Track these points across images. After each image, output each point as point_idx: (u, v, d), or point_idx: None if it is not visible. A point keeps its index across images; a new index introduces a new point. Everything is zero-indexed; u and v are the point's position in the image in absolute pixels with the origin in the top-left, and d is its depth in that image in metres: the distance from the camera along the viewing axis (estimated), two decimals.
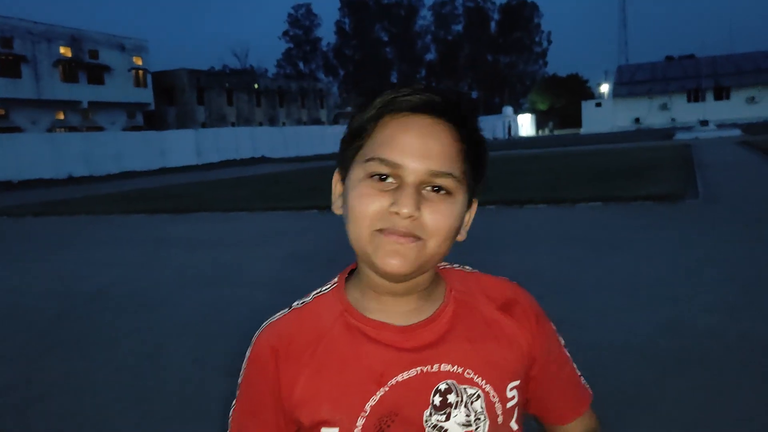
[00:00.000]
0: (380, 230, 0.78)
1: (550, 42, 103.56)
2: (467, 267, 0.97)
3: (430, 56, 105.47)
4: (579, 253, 6.86)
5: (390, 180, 0.79)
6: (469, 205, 0.85)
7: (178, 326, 5.16)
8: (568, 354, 0.98)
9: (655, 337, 4.10)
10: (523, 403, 0.91)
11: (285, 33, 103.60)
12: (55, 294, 6.63)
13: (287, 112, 66.98)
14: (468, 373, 0.84)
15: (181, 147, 41.06)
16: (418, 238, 0.78)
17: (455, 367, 0.84)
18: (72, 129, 44.54)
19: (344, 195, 0.85)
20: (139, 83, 51.21)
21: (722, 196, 10.63)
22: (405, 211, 0.76)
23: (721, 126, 40.54)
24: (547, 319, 0.95)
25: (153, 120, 53.09)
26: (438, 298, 0.89)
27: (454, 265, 0.95)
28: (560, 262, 6.52)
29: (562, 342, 0.97)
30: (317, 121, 69.32)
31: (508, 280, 0.96)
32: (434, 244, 0.79)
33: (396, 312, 0.86)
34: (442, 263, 0.92)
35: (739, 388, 3.29)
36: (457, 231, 0.82)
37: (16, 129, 40.80)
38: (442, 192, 0.79)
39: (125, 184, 26.09)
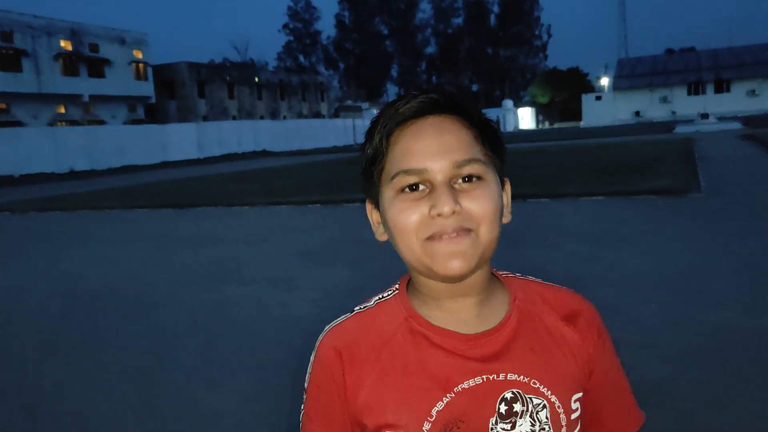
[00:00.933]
0: (430, 237, 0.79)
1: (549, 35, 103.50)
2: (530, 276, 0.97)
3: (430, 49, 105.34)
4: (584, 248, 6.85)
5: (421, 188, 0.80)
6: (502, 186, 0.86)
7: (184, 324, 5.15)
8: (623, 373, 0.97)
9: (665, 333, 4.10)
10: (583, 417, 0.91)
11: (285, 26, 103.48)
12: (60, 293, 6.62)
13: (288, 105, 66.84)
14: (534, 383, 0.85)
15: (182, 141, 41.02)
16: (468, 231, 0.79)
17: (521, 376, 0.84)
18: (73, 123, 44.46)
19: (382, 218, 0.86)
20: (139, 76, 51.07)
21: (725, 189, 10.62)
22: (446, 209, 0.77)
23: (721, 119, 40.51)
24: (608, 334, 0.94)
25: (154, 113, 53.00)
26: (501, 306, 0.89)
27: (516, 274, 0.95)
28: (565, 257, 6.51)
29: (618, 360, 0.96)
30: (318, 115, 69.19)
31: (573, 290, 0.95)
32: (485, 230, 0.80)
33: (459, 320, 0.86)
34: (504, 272, 0.94)
35: (751, 384, 3.29)
36: (501, 212, 0.84)
37: (17, 123, 40.72)
38: (474, 179, 0.80)
39: (127, 179, 26.07)
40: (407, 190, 0.80)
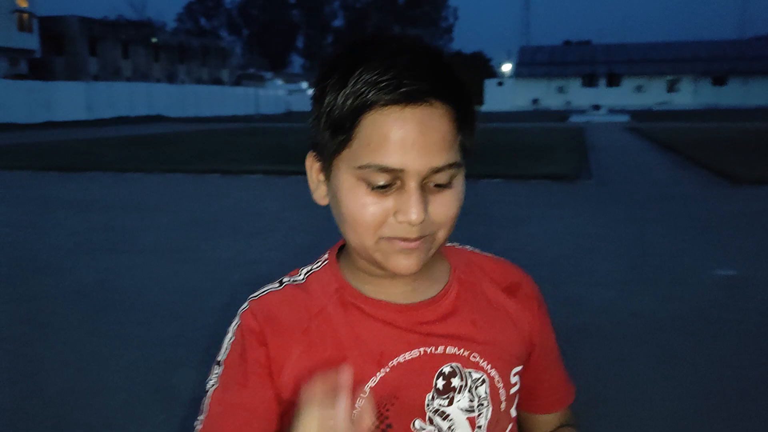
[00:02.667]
0: (387, 237, 0.74)
1: (456, 18, 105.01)
2: (467, 246, 0.93)
3: (337, 23, 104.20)
4: (483, 230, 7.04)
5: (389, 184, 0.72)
6: None
7: (70, 293, 4.84)
8: (557, 346, 0.96)
9: (556, 312, 4.28)
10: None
11: None
12: None
13: (187, 69, 64.17)
14: (474, 356, 0.81)
15: (69, 100, 38.40)
16: (428, 235, 0.75)
17: (461, 350, 0.80)
18: None
19: (331, 190, 0.77)
20: (23, 27, 47.17)
21: (613, 177, 11.26)
22: (414, 218, 0.71)
23: (611, 111, 42.78)
24: (545, 305, 0.92)
25: (39, 69, 49.22)
26: (440, 277, 0.85)
27: (455, 244, 0.91)
28: (465, 238, 6.63)
29: (554, 334, 0.95)
30: (219, 81, 66.89)
31: (511, 262, 0.93)
32: (444, 233, 0.77)
33: (395, 292, 0.81)
34: None
35: (631, 360, 3.51)
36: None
37: None
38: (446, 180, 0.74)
39: (5, 137, 24.11)
40: (375, 187, 0.71)
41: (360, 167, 0.71)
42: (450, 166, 0.72)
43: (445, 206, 0.74)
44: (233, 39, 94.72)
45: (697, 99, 63.19)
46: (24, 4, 47.15)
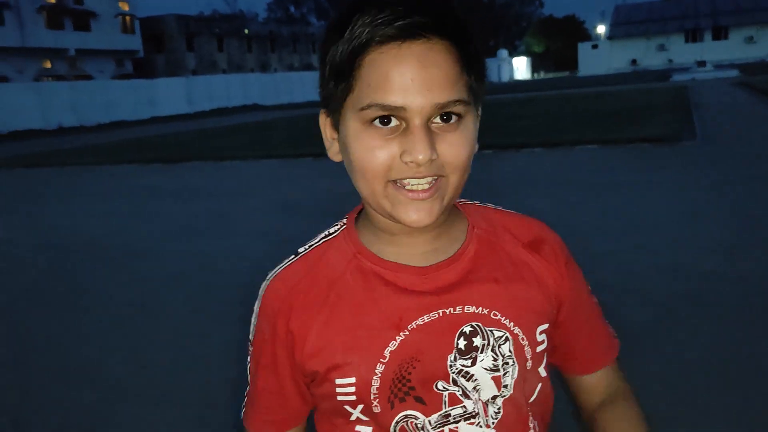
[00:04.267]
0: (396, 182, 0.72)
1: None
2: (489, 204, 0.90)
3: None
4: (578, 196, 6.80)
5: (394, 123, 0.70)
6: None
7: (172, 277, 5.11)
8: (595, 300, 0.91)
9: (656, 280, 4.08)
10: (551, 351, 0.85)
11: None
12: (47, 247, 6.56)
13: (279, 57, 65.79)
14: (494, 314, 0.78)
15: (171, 95, 40.38)
16: (438, 178, 0.72)
17: (480, 308, 0.78)
18: (59, 78, 43.64)
19: (341, 142, 0.76)
20: (126, 29, 50.01)
21: (719, 136, 10.53)
22: (421, 157, 0.68)
23: (718, 67, 40.05)
24: (574, 262, 0.88)
25: (142, 68, 52.09)
26: (459, 236, 0.82)
27: (475, 202, 0.89)
28: (559, 205, 6.46)
29: (589, 288, 0.90)
30: (309, 67, 68.15)
31: (536, 219, 0.89)
32: (456, 177, 0.73)
33: (413, 253, 0.79)
34: (462, 199, 0.86)
35: (739, 328, 3.28)
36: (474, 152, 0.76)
37: (2, 78, 39.98)
38: (453, 119, 0.71)
39: (116, 134, 25.74)
40: (377, 122, 0.70)
41: (362, 109, 0.70)
42: (455, 102, 0.70)
43: (455, 146, 0.71)
44: (322, 23, 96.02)
45: None
46: (126, 8, 49.85)
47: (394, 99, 0.68)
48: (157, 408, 2.98)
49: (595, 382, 0.92)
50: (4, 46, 40.99)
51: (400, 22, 0.67)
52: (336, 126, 0.77)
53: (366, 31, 0.68)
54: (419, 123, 0.69)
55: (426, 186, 0.71)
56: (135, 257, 5.80)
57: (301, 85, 51.68)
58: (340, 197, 8.27)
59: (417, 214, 0.72)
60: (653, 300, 3.76)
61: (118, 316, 4.30)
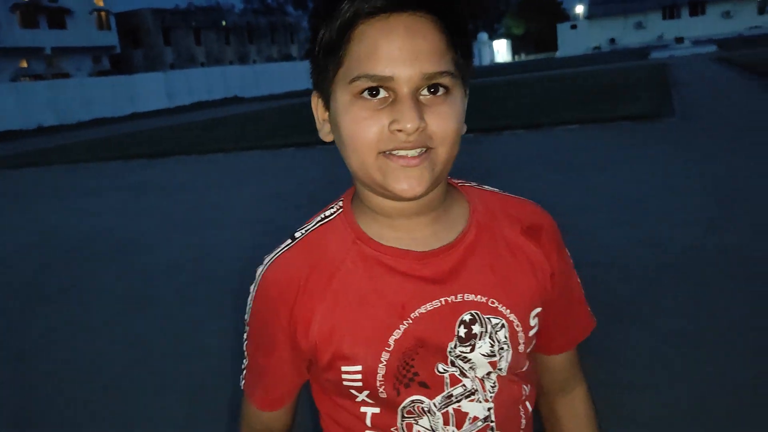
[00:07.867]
0: (386, 152, 0.73)
1: None
2: (486, 186, 0.91)
3: None
4: (561, 177, 6.91)
5: (382, 94, 0.72)
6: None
7: (166, 270, 5.16)
8: (579, 281, 0.94)
9: (639, 253, 4.20)
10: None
11: None
12: (38, 245, 6.58)
13: (258, 49, 65.22)
14: (492, 302, 0.81)
15: (150, 91, 39.97)
16: (427, 150, 0.73)
17: (479, 296, 0.80)
18: (37, 77, 43.05)
19: (332, 120, 0.77)
20: (102, 26, 49.30)
21: (698, 113, 10.68)
22: (409, 126, 0.70)
23: (696, 42, 40.31)
24: (565, 248, 0.91)
25: (120, 64, 51.45)
26: (458, 219, 0.83)
27: (473, 183, 0.89)
28: (542, 186, 6.57)
29: (574, 270, 0.93)
30: (288, 57, 67.66)
31: (533, 202, 0.91)
32: (445, 150, 0.74)
33: (413, 238, 0.80)
34: (460, 180, 0.88)
35: (719, 299, 3.41)
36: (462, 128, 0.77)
37: None
38: (441, 92, 0.73)
39: (97, 132, 25.51)
40: (366, 94, 0.72)
41: (351, 81, 0.72)
42: (442, 74, 0.72)
43: (443, 118, 0.72)
44: (299, 13, 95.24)
45: None
46: (101, 3, 49.14)
47: (382, 69, 0.70)
48: (156, 397, 3.05)
49: (562, 360, 0.95)
50: None
51: None
52: (327, 105, 0.78)
53: (354, 3, 0.70)
54: (407, 92, 0.70)
55: (415, 154, 0.72)
56: (127, 252, 5.84)
57: (280, 76, 51.32)
58: (328, 185, 8.34)
59: (407, 182, 0.73)
60: (636, 273, 3.88)
61: (115, 308, 4.36)
